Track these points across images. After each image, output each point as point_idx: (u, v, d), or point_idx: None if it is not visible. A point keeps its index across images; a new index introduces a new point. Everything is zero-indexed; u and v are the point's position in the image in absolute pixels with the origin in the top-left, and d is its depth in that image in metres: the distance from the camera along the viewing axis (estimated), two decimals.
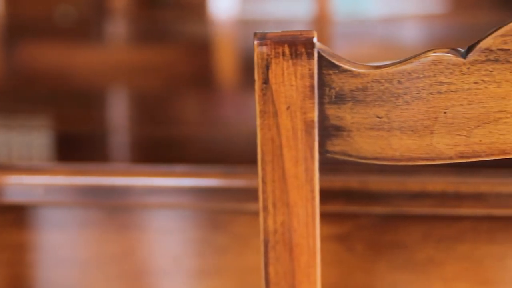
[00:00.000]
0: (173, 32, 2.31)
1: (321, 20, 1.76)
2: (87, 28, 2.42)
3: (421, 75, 0.58)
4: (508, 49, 0.56)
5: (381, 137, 0.59)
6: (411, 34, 2.32)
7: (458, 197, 0.76)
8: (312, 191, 0.61)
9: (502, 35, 0.56)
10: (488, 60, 0.56)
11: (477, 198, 0.76)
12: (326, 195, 0.78)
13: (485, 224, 0.79)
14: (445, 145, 0.59)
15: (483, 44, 0.56)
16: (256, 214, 0.65)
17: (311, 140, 0.60)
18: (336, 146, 0.61)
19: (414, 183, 0.76)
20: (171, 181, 0.81)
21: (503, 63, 0.56)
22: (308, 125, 0.60)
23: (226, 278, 0.84)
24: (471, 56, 0.57)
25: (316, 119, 0.59)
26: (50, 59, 2.14)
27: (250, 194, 0.79)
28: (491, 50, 0.56)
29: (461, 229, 0.79)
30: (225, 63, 2.01)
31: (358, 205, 0.78)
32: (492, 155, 0.59)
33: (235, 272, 0.84)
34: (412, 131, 0.59)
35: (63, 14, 2.40)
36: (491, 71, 0.57)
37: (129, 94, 1.80)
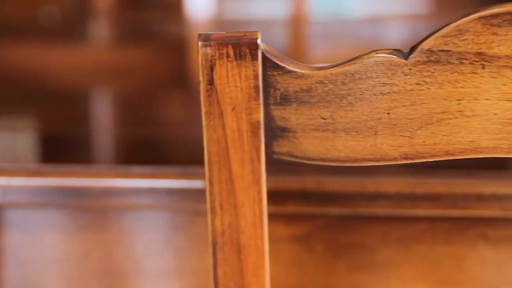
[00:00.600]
0: (155, 33, 2.31)
1: (298, 21, 1.76)
2: (70, 29, 2.42)
3: (364, 76, 0.57)
4: (449, 50, 0.56)
5: (326, 138, 0.59)
6: (394, 35, 2.32)
7: (414, 198, 0.76)
8: (259, 192, 0.61)
9: (443, 36, 0.56)
10: (430, 61, 0.56)
11: (433, 199, 0.76)
12: (283, 195, 0.78)
13: (442, 225, 0.79)
14: (389, 146, 0.59)
15: (425, 45, 0.56)
16: None
17: (257, 141, 0.60)
18: (282, 147, 0.61)
19: (370, 184, 0.76)
20: (130, 182, 0.81)
21: (444, 64, 0.56)
22: (254, 126, 0.60)
23: (186, 279, 0.84)
24: (413, 57, 0.57)
25: (261, 120, 0.59)
26: (32, 59, 2.14)
27: None
28: (432, 51, 0.56)
29: (419, 230, 0.79)
30: None
31: (315, 206, 0.78)
32: (436, 156, 0.59)
33: (195, 272, 0.84)
34: (357, 132, 0.59)
35: (46, 15, 2.40)
36: (432, 72, 0.56)
37: (112, 94, 1.80)
